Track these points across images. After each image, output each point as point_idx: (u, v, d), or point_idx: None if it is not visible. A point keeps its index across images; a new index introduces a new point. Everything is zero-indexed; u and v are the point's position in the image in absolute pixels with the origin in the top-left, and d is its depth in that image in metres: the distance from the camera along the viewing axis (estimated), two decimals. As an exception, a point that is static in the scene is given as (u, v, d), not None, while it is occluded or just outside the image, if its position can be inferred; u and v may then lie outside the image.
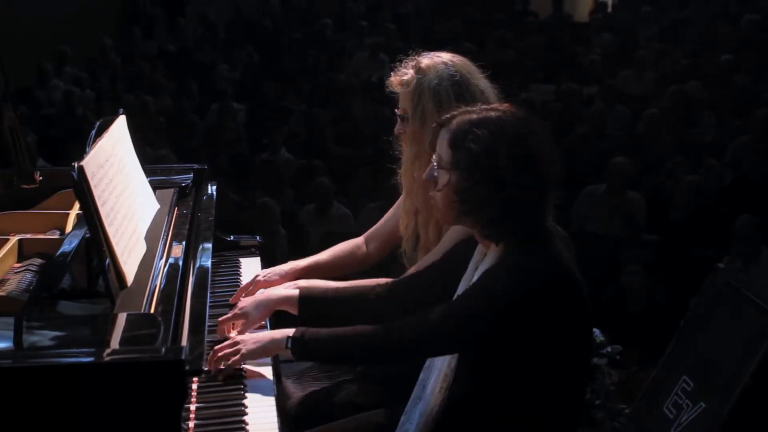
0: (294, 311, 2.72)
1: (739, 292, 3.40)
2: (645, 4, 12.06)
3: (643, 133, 7.90)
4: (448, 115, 2.41)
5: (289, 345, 2.45)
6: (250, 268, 3.38)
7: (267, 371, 2.63)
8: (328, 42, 11.31)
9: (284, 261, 3.22)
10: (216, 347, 2.54)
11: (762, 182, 6.83)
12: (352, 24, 12.03)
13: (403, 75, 2.86)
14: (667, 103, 8.49)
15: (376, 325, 2.42)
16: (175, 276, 2.54)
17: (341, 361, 2.62)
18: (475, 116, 2.36)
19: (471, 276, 2.48)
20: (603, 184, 6.78)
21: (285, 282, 3.04)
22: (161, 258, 2.66)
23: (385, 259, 3.22)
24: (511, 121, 2.34)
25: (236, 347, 2.51)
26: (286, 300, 2.73)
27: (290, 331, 2.47)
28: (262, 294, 2.78)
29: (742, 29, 10.61)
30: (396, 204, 3.17)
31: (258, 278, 3.04)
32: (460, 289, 2.50)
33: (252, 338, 2.53)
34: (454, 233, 2.68)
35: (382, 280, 2.79)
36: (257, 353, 2.52)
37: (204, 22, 12.20)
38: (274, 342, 2.49)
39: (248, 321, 2.70)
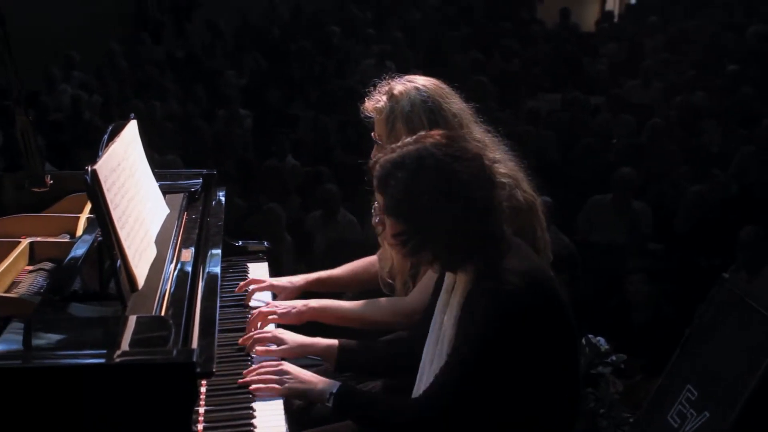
0: (332, 363, 2.76)
1: (743, 301, 3.41)
2: (651, 14, 12.08)
3: (648, 142, 7.91)
4: (374, 160, 2.42)
5: (330, 402, 2.47)
6: (257, 273, 3.40)
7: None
8: (335, 49, 11.34)
9: (290, 267, 3.27)
10: (262, 365, 2.60)
11: (767, 192, 6.84)
12: (359, 31, 12.07)
13: (376, 102, 2.89)
14: (673, 113, 8.49)
15: (406, 402, 2.44)
16: (185, 280, 2.56)
17: (375, 429, 2.61)
18: (395, 155, 2.35)
19: (446, 301, 2.48)
20: (608, 193, 6.79)
21: (294, 287, 3.13)
22: (171, 262, 2.68)
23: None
24: (430, 153, 2.31)
25: (282, 377, 2.54)
26: (326, 350, 2.76)
27: (334, 387, 2.48)
28: (304, 338, 2.80)
29: (747, 40, 10.63)
30: None
31: (271, 282, 3.19)
32: (437, 314, 2.51)
33: (299, 377, 2.54)
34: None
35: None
36: (298, 393, 2.55)
37: (211, 28, 12.24)
38: (317, 393, 2.50)
39: (279, 349, 2.73)
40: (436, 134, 2.39)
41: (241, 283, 3.20)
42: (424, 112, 2.81)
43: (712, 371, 3.38)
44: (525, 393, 2.33)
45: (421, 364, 2.56)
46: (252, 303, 3.11)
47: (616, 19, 13.40)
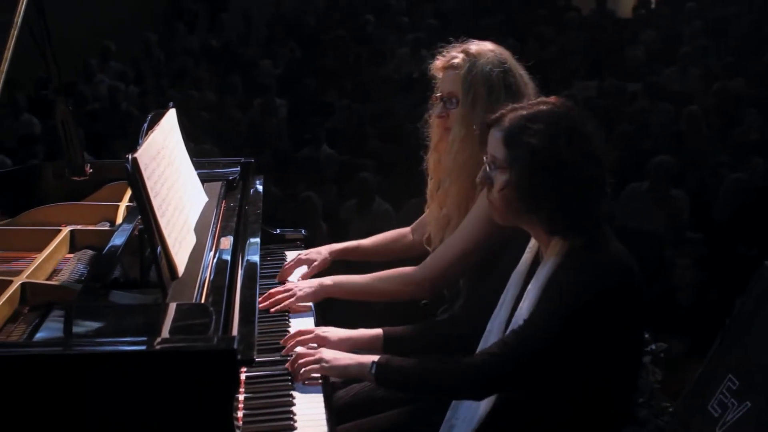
0: (376, 350, 2.71)
1: (786, 290, 3.37)
2: (689, 1, 11.95)
3: (685, 130, 7.83)
4: (497, 114, 2.39)
5: (374, 371, 2.43)
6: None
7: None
8: (369, 38, 11.33)
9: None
10: (299, 340, 2.64)
11: (808, 180, 6.76)
12: (393, 20, 12.04)
13: (452, 58, 2.86)
14: (712, 101, 8.40)
15: (457, 362, 2.39)
16: (225, 268, 2.56)
17: (422, 394, 2.60)
18: (526, 111, 2.35)
19: (524, 272, 2.46)
20: (646, 181, 6.73)
21: (323, 258, 3.19)
22: (210, 250, 2.69)
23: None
24: (563, 112, 2.33)
25: (318, 356, 2.53)
26: (371, 342, 2.74)
27: (375, 357, 2.46)
28: (346, 332, 2.76)
29: (787, 26, 10.50)
30: None
31: (299, 256, 3.23)
32: (510, 288, 2.49)
33: (337, 357, 2.52)
34: (475, 224, 2.71)
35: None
36: (337, 371, 2.53)
37: (246, 18, 12.26)
38: (357, 366, 2.48)
39: (323, 344, 2.69)
40: (561, 99, 2.41)
41: (279, 274, 3.21)
42: (502, 74, 2.80)
43: (753, 361, 3.34)
44: (591, 372, 2.31)
45: (483, 338, 2.54)
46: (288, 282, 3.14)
47: (653, 5, 13.25)
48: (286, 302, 2.93)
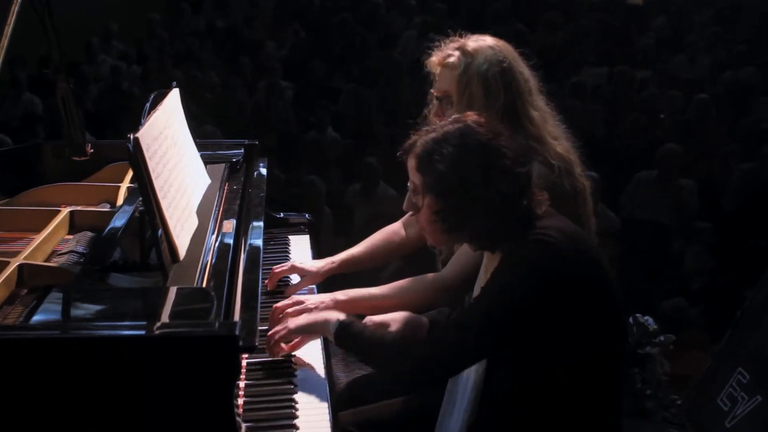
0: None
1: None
2: (700, -13, 11.87)
3: (695, 119, 7.79)
4: (411, 140, 2.37)
5: (334, 329, 2.41)
6: (299, 245, 3.38)
7: (317, 350, 2.64)
8: (376, 21, 11.26)
9: (329, 241, 3.21)
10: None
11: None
12: (400, 3, 11.97)
13: (447, 56, 2.79)
14: (722, 90, 8.35)
15: (414, 341, 2.41)
16: (227, 252, 2.53)
17: (372, 365, 2.56)
18: (435, 134, 2.32)
19: (483, 280, 2.45)
20: (654, 170, 6.69)
21: (319, 273, 3.03)
22: (213, 233, 2.66)
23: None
24: (472, 130, 2.29)
25: (284, 324, 2.53)
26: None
27: (342, 315, 2.45)
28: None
29: (800, 15, 10.42)
30: None
31: (293, 263, 3.06)
32: (476, 288, 2.49)
33: (299, 319, 2.53)
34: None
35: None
36: (300, 329, 2.52)
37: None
38: (323, 323, 2.47)
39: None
40: (473, 115, 2.37)
41: (268, 279, 3.04)
42: (500, 73, 2.73)
43: (764, 354, 3.31)
44: (557, 361, 2.27)
45: None
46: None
47: (663, -8, 13.18)
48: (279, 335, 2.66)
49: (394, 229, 3.18)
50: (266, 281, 2.99)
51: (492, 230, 2.31)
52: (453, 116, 2.41)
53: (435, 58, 2.83)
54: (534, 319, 2.22)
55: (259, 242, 2.88)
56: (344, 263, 3.09)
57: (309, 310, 2.68)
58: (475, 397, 2.44)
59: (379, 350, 2.38)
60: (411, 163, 2.35)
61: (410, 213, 2.43)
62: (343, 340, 2.42)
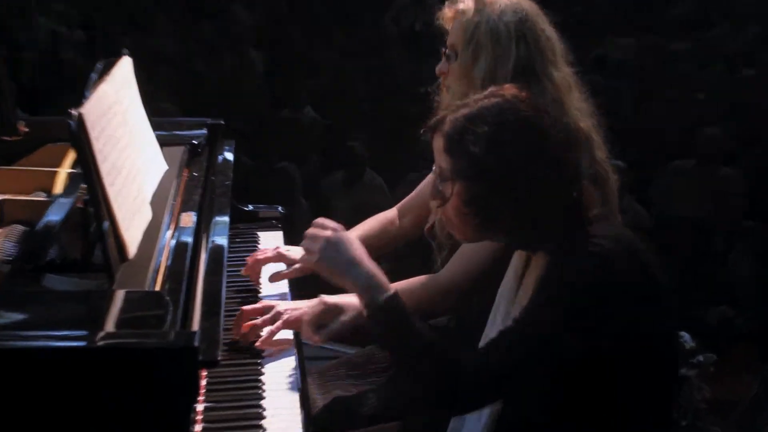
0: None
1: None
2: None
3: (740, 98, 7.83)
4: (437, 117, 2.38)
5: (383, 299, 2.30)
6: (269, 243, 3.40)
7: (290, 367, 2.65)
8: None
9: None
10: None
11: None
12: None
13: (459, 3, 2.86)
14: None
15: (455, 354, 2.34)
16: (186, 249, 2.54)
17: (396, 355, 2.46)
18: (468, 110, 2.31)
19: (514, 287, 2.45)
20: (692, 159, 6.73)
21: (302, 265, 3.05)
22: (169, 228, 2.66)
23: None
24: (513, 105, 2.29)
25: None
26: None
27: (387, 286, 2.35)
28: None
29: None
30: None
31: (279, 250, 3.12)
32: (501, 302, 2.48)
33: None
34: None
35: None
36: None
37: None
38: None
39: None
40: (512, 88, 2.37)
41: (246, 267, 3.11)
42: (514, 25, 2.78)
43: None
44: (600, 382, 2.28)
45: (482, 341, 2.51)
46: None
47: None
48: (265, 339, 2.73)
49: (389, 217, 3.24)
50: (242, 270, 3.07)
51: (534, 226, 2.31)
52: (489, 89, 2.40)
53: (447, 10, 2.90)
54: (587, 339, 2.22)
55: (223, 239, 2.89)
56: None
57: (281, 316, 2.71)
58: (492, 421, 2.43)
59: (417, 340, 2.31)
60: (438, 143, 2.34)
61: (434, 202, 2.41)
62: (390, 312, 2.31)
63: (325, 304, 2.70)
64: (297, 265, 3.06)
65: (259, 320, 2.72)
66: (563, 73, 2.82)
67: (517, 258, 2.48)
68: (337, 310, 2.66)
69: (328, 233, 2.41)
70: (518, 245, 2.42)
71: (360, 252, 2.38)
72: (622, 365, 2.27)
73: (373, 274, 2.35)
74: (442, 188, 2.35)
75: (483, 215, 2.30)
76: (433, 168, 2.40)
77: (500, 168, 2.25)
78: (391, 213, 3.25)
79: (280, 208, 3.62)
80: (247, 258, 3.14)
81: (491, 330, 2.49)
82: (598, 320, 2.23)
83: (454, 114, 2.33)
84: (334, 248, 2.39)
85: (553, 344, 2.23)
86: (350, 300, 2.62)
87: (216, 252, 2.80)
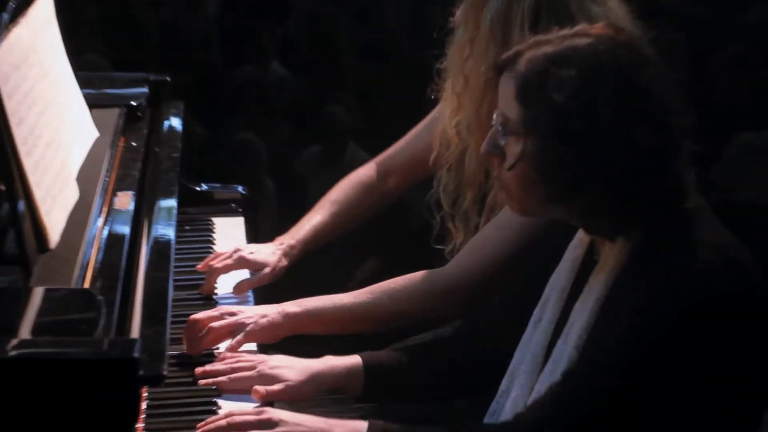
0: (355, 389, 2.71)
1: None
2: None
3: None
4: (510, 52, 2.37)
5: None
6: (228, 233, 3.44)
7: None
8: None
9: (271, 225, 3.24)
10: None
11: None
12: None
13: None
14: None
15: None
16: (122, 240, 2.56)
17: None
18: (552, 49, 2.31)
19: (568, 278, 2.47)
20: (764, 131, 6.75)
21: (276, 265, 3.12)
22: (101, 212, 2.68)
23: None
24: (609, 49, 2.29)
25: (266, 416, 2.44)
26: (347, 373, 2.69)
27: (360, 424, 2.41)
28: (304, 364, 2.71)
29: None
30: (429, 117, 3.25)
31: (240, 252, 3.13)
32: (553, 300, 2.49)
33: (296, 419, 2.44)
34: None
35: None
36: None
37: None
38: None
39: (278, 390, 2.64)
40: (608, 27, 2.38)
41: (204, 262, 3.16)
42: None
43: None
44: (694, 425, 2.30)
45: (509, 373, 2.55)
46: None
47: None
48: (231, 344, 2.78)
49: (366, 180, 3.32)
50: (201, 288, 3.08)
51: (622, 203, 2.29)
52: (578, 26, 2.40)
53: None
54: (679, 371, 2.24)
55: (170, 227, 2.91)
56: (307, 241, 3.22)
57: (244, 326, 2.74)
58: None
59: None
60: (507, 86, 2.34)
61: (488, 154, 2.42)
62: None
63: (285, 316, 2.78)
64: (266, 270, 3.11)
65: (213, 328, 2.75)
66: (610, 9, 2.86)
67: (577, 248, 2.48)
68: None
69: (267, 415, 2.42)
70: (595, 228, 2.39)
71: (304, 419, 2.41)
72: (711, 403, 2.28)
73: (332, 424, 2.41)
74: (504, 144, 2.34)
75: (557, 184, 2.29)
76: (494, 116, 2.39)
77: (588, 124, 2.23)
78: (368, 172, 3.31)
79: (240, 189, 3.66)
80: (198, 266, 3.15)
81: (534, 332, 2.50)
82: (691, 355, 2.23)
83: (532, 51, 2.32)
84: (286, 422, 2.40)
85: (622, 398, 2.24)
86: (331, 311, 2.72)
87: (161, 243, 2.81)
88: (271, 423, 2.40)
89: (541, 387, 2.38)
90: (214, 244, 3.38)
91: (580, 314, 2.36)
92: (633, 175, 2.26)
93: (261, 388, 2.58)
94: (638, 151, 2.24)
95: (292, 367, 2.66)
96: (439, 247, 3.17)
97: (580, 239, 2.49)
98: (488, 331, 2.72)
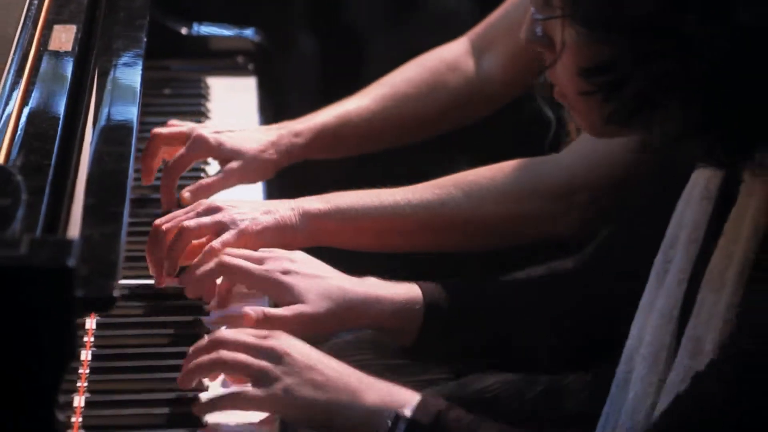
0: (402, 335, 2.73)
1: None
2: None
3: None
4: None
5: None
6: (229, 104, 3.46)
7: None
8: None
9: (305, 99, 3.20)
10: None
11: None
12: None
13: None
14: None
15: None
16: (57, 96, 2.61)
17: None
18: None
19: (694, 224, 2.50)
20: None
21: (253, 150, 3.13)
22: (25, 54, 2.73)
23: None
24: None
25: (272, 371, 2.43)
26: (399, 308, 2.70)
27: (408, 401, 2.41)
28: (331, 275, 2.72)
29: None
30: None
31: (198, 130, 3.14)
32: (680, 257, 2.52)
33: (310, 363, 2.43)
34: None
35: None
36: (310, 412, 2.41)
37: None
38: (361, 414, 2.39)
39: (287, 313, 2.65)
40: None
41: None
42: None
43: None
44: None
45: (624, 357, 2.61)
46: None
47: None
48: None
49: (445, 53, 3.35)
50: (182, 192, 3.10)
51: (714, 119, 2.26)
52: None
53: None
54: None
55: (134, 83, 2.92)
56: (324, 131, 3.19)
57: (235, 224, 2.78)
58: None
59: None
60: None
61: (530, 43, 2.43)
62: None
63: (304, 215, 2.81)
64: (232, 165, 3.10)
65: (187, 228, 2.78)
66: None
67: (701, 187, 2.51)
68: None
69: (270, 343, 2.44)
70: (704, 154, 2.36)
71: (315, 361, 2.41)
72: None
73: (355, 386, 2.40)
74: (543, 32, 2.41)
75: (616, 90, 2.31)
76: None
77: (658, 6, 2.24)
78: (454, 46, 3.35)
79: (252, 34, 3.70)
80: (184, 191, 3.12)
81: (651, 308, 2.55)
82: None
83: None
84: (294, 380, 2.40)
85: None
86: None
87: (120, 107, 2.82)
88: (270, 378, 2.41)
89: (672, 388, 2.38)
90: (207, 116, 3.42)
91: (720, 277, 2.37)
92: (724, 76, 2.22)
93: (253, 310, 2.61)
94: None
95: (317, 280, 2.67)
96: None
97: (699, 174, 2.52)
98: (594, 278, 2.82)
